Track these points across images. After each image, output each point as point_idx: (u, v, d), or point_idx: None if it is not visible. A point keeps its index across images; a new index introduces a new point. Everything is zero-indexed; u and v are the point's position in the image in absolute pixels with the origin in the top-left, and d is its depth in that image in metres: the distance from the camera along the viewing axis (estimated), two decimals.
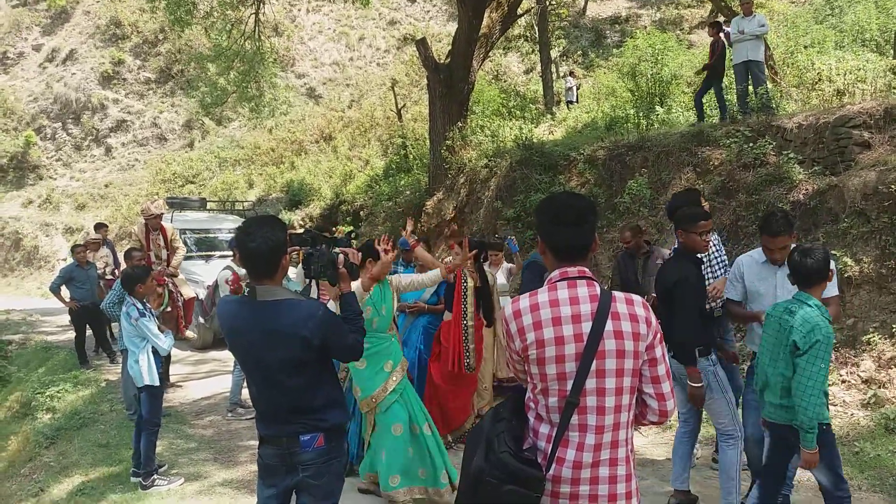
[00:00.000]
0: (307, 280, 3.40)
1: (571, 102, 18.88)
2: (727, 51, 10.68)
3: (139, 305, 5.46)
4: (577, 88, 19.39)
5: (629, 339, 2.22)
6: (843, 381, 6.36)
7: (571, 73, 20.55)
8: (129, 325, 5.43)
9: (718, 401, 4.13)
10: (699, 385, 4.04)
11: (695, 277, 4.14)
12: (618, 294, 2.30)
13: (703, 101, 11.16)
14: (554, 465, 2.22)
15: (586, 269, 2.33)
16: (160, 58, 30.19)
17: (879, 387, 6.10)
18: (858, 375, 6.30)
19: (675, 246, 4.46)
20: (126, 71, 30.02)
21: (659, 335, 2.30)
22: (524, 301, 2.31)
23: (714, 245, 5.07)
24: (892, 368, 6.19)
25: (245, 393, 7.43)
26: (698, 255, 4.35)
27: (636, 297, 2.33)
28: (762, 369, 3.69)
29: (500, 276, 7.01)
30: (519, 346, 2.28)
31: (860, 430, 5.61)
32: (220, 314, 3.08)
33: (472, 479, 2.20)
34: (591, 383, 2.20)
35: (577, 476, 2.22)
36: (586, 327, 2.20)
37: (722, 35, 10.78)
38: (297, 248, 4.34)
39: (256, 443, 6.17)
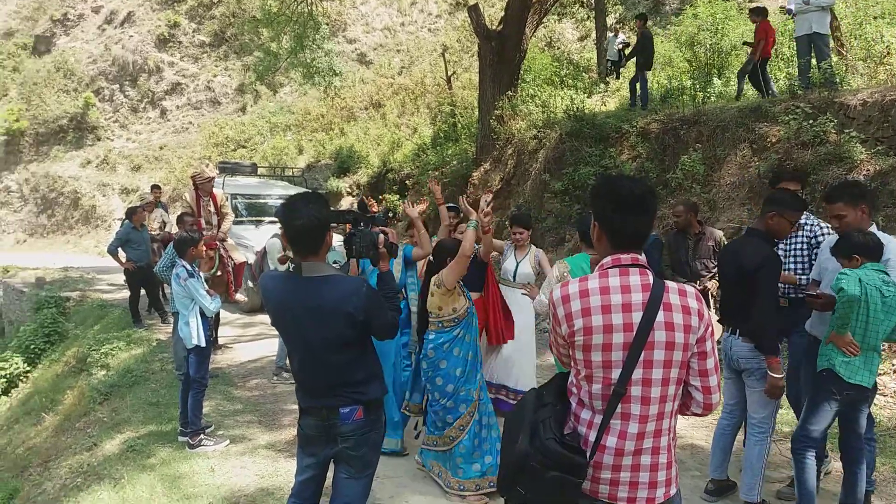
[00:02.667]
0: (348, 259, 3.43)
1: (617, 63, 16.95)
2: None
3: (189, 267, 5.60)
4: (625, 48, 16.76)
5: (679, 331, 2.19)
6: None
7: (618, 30, 18.09)
8: (178, 287, 5.57)
9: (764, 392, 4.01)
10: (780, 376, 3.88)
11: (778, 262, 3.98)
12: (671, 284, 2.26)
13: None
14: (596, 452, 2.23)
15: (639, 257, 2.29)
16: (214, 21, 30.48)
17: None
18: None
19: (750, 226, 4.28)
20: (181, 34, 30.42)
21: (710, 328, 2.26)
22: (573, 286, 2.28)
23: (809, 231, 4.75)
24: None
25: None
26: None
27: (689, 289, 2.28)
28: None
29: (524, 265, 5.82)
30: (565, 331, 2.27)
31: None
32: (265, 288, 3.12)
33: (516, 463, 2.21)
34: (637, 373, 2.18)
35: (618, 463, 2.22)
36: (636, 317, 2.17)
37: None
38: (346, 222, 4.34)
39: (275, 382, 6.35)
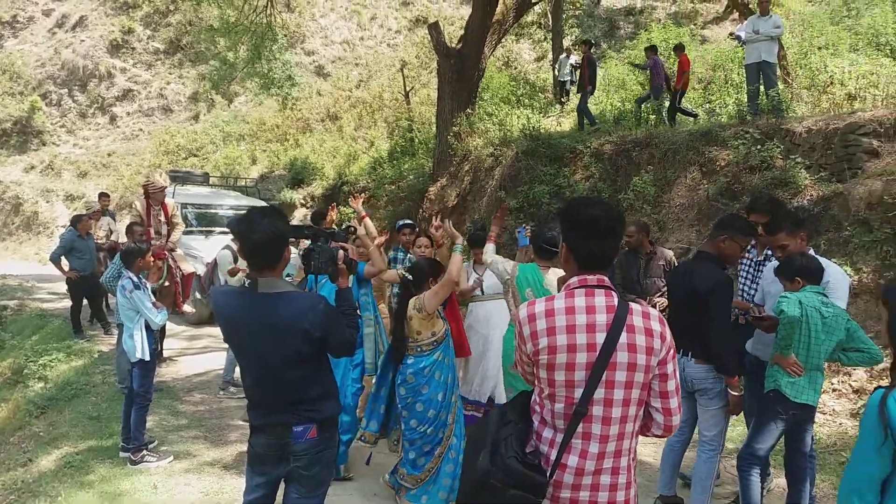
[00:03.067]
0: (306, 274, 3.39)
1: (572, 83, 16.80)
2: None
3: (135, 278, 5.45)
4: (575, 69, 16.63)
5: (642, 353, 2.22)
6: (834, 390, 6.34)
7: (571, 51, 18.14)
8: (123, 299, 5.42)
9: (718, 411, 4.07)
10: (739, 394, 3.99)
11: (730, 285, 4.07)
12: (635, 306, 2.29)
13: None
14: (556, 471, 2.24)
15: (605, 278, 2.32)
16: (170, 28, 29.99)
17: None
18: (850, 385, 6.28)
19: (701, 248, 4.37)
20: (135, 40, 29.83)
21: (672, 351, 2.29)
22: (539, 305, 2.31)
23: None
24: (883, 379, 6.15)
25: (238, 371, 7.41)
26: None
27: (653, 311, 2.32)
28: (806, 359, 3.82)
29: (488, 277, 5.68)
30: (530, 350, 2.29)
31: (847, 441, 5.59)
32: (217, 303, 3.04)
33: (477, 480, 2.22)
34: (599, 393, 2.20)
35: (578, 482, 2.24)
36: (600, 337, 2.20)
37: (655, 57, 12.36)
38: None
39: (247, 423, 6.22)
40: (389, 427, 4.74)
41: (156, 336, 5.57)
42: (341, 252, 3.32)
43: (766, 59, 9.85)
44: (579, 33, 25.46)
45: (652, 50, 12.75)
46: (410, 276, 4.38)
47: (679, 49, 12.44)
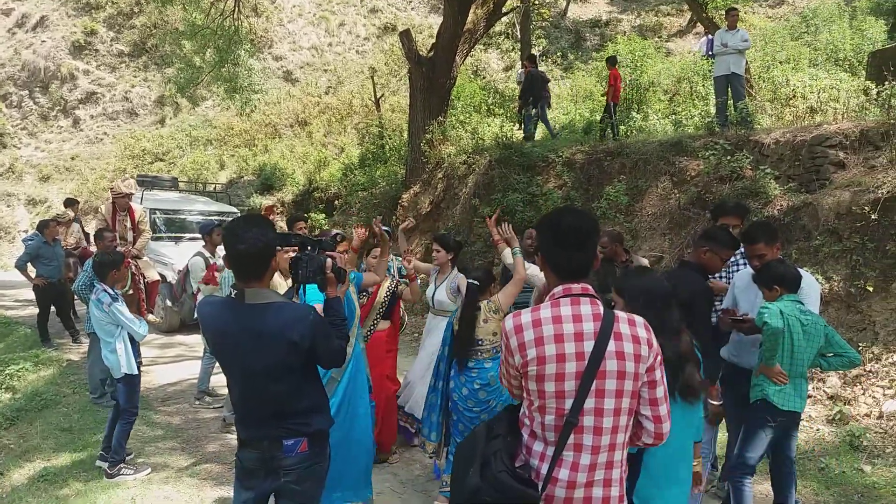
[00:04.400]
0: (293, 284, 3.35)
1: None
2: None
3: (111, 291, 5.31)
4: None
5: (630, 361, 2.22)
6: (810, 396, 6.49)
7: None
8: (100, 313, 5.25)
9: (704, 419, 4.13)
10: (720, 403, 4.08)
11: (711, 294, 4.19)
12: (620, 314, 2.30)
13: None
14: (548, 485, 2.21)
15: (589, 287, 2.32)
16: (134, 31, 29.51)
17: (845, 403, 6.24)
18: (825, 391, 6.44)
19: (683, 258, 4.47)
20: (98, 42, 29.28)
21: (659, 357, 2.30)
22: (526, 316, 2.29)
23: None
24: (857, 386, 6.34)
25: (213, 380, 7.34)
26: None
27: (638, 319, 2.33)
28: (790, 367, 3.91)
29: (440, 292, 5.43)
30: (518, 362, 2.26)
31: (825, 446, 5.73)
32: (203, 315, 3.00)
33: (468, 497, 2.19)
34: (590, 403, 2.19)
35: (570, 496, 2.21)
36: (588, 346, 2.19)
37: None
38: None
39: (223, 433, 6.16)
40: (450, 435, 4.64)
41: (138, 348, 5.44)
42: (329, 261, 3.29)
43: (735, 72, 10.08)
44: (546, 44, 25.75)
45: (610, 62, 13.04)
46: (477, 283, 4.45)
47: (611, 62, 12.88)
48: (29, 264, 9.44)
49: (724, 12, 11.35)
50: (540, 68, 17.82)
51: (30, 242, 9.61)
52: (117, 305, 5.22)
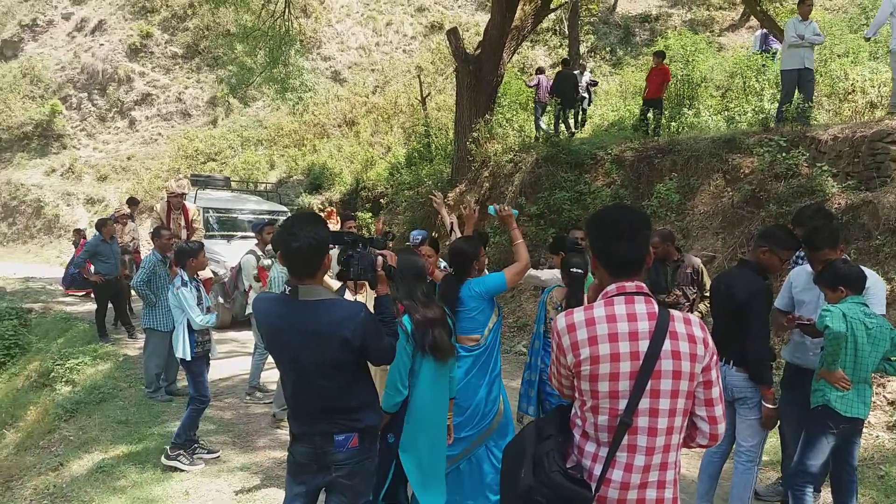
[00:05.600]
0: (344, 281, 3.38)
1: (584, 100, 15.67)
2: None
3: (185, 277, 5.57)
4: (593, 86, 16.05)
5: (686, 360, 2.17)
6: None
7: (584, 67, 16.83)
8: (172, 296, 5.55)
9: (758, 421, 4.04)
10: (775, 406, 3.98)
11: (769, 294, 4.06)
12: (675, 313, 2.25)
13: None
14: (601, 486, 2.18)
15: (643, 285, 2.27)
16: (188, 33, 30.18)
17: None
18: (885, 397, 6.21)
19: (743, 257, 4.36)
20: (153, 44, 30.04)
21: (715, 357, 2.24)
22: (579, 314, 2.25)
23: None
24: None
25: (264, 376, 7.46)
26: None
27: (693, 318, 2.28)
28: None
29: None
30: (571, 361, 2.23)
31: (885, 454, 5.53)
32: (258, 311, 3.06)
33: (521, 496, 2.17)
34: (644, 403, 2.15)
35: (623, 497, 2.18)
36: (643, 345, 2.15)
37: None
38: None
39: (273, 428, 6.25)
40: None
41: (197, 338, 5.55)
42: (380, 258, 3.31)
43: (808, 66, 9.39)
44: (594, 40, 25.45)
45: (659, 56, 12.76)
46: (580, 270, 4.39)
47: (659, 56, 12.62)
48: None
49: (796, 3, 10.48)
50: (587, 65, 17.71)
51: (89, 241, 9.94)
52: (184, 291, 5.45)
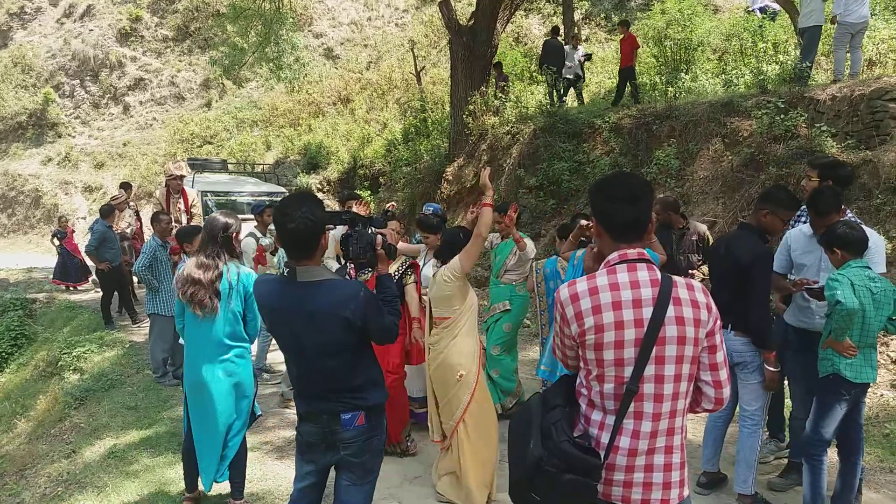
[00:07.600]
0: (343, 261, 3.36)
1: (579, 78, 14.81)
2: None
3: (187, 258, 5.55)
4: (585, 60, 15.11)
5: (690, 326, 2.18)
6: None
7: (577, 41, 15.63)
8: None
9: (759, 384, 4.06)
10: (777, 369, 3.99)
11: (771, 258, 4.05)
12: (678, 279, 2.25)
13: None
14: (609, 454, 2.21)
15: (645, 252, 2.27)
16: (178, 15, 29.89)
17: None
18: (888, 356, 6.24)
19: (743, 220, 4.32)
20: (143, 28, 29.77)
21: (718, 322, 2.25)
22: (582, 284, 2.25)
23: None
24: None
25: (270, 357, 7.50)
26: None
27: (696, 283, 2.28)
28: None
29: (427, 268, 5.29)
30: (575, 331, 2.24)
31: (890, 412, 5.57)
32: (259, 294, 3.06)
33: (530, 467, 2.18)
34: (650, 370, 2.16)
35: (631, 464, 2.21)
36: (647, 312, 2.16)
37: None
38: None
39: (282, 408, 6.30)
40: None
41: None
42: (379, 238, 3.28)
43: (820, 24, 9.25)
44: (588, 6, 25.14)
45: (624, 24, 13.18)
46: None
47: (624, 25, 13.03)
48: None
49: None
50: (582, 33, 17.41)
51: (96, 228, 9.91)
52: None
